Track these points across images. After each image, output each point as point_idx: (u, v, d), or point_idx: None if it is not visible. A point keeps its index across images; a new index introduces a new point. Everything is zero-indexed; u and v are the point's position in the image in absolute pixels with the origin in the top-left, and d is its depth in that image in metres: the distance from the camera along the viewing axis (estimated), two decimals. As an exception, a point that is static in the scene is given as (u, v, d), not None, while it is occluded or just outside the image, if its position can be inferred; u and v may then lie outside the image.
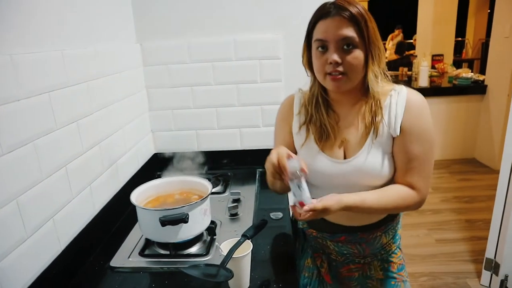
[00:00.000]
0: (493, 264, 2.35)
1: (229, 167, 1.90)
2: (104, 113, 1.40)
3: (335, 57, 0.95)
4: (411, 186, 1.02)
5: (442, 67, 4.95)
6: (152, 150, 1.92)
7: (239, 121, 1.87)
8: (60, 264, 1.06)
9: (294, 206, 0.96)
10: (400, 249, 1.23)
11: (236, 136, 1.89)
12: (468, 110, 4.36)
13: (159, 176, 1.45)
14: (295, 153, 1.15)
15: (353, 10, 0.93)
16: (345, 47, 0.95)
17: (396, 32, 6.91)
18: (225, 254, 0.97)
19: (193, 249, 1.23)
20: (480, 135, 4.41)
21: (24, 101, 0.95)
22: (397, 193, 1.01)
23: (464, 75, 4.46)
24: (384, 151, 1.03)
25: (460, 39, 7.33)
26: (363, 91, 1.04)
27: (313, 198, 0.99)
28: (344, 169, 1.05)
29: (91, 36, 1.35)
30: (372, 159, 1.02)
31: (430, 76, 4.56)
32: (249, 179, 1.77)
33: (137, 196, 1.25)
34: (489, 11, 7.66)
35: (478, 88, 4.31)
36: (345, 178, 1.05)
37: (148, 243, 1.27)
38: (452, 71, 4.80)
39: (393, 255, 1.20)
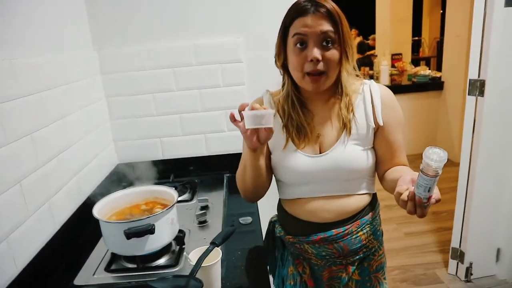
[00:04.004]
0: (458, 253, 2.44)
1: (196, 173, 1.86)
2: (61, 125, 1.33)
3: (317, 54, 0.95)
4: (404, 165, 1.10)
5: (402, 65, 5.11)
6: (115, 160, 1.86)
7: (203, 126, 1.84)
8: (17, 287, 0.99)
9: (420, 200, 0.81)
10: (383, 246, 1.22)
11: (201, 142, 1.86)
12: (428, 106, 4.52)
13: (124, 187, 1.40)
14: (269, 155, 1.15)
15: (329, 6, 0.96)
16: (324, 43, 0.96)
17: (352, 32, 7.09)
18: (193, 264, 0.94)
19: (162, 261, 1.19)
20: (440, 130, 4.58)
21: (-32, 115, 0.89)
22: (408, 170, 1.04)
23: (422, 72, 4.63)
24: (362, 144, 1.07)
25: (416, 38, 7.60)
26: (335, 87, 1.07)
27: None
28: (321, 163, 1.06)
29: (43, 44, 1.29)
30: (349, 152, 1.05)
31: (391, 75, 4.70)
32: (216, 185, 1.74)
33: (100, 209, 1.20)
34: (441, 11, 8.01)
35: (435, 85, 4.48)
36: (322, 172, 1.07)
37: (114, 257, 1.21)
38: (411, 69, 4.97)
39: (375, 253, 1.18)
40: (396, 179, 0.96)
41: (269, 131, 0.96)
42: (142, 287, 1.08)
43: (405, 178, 0.88)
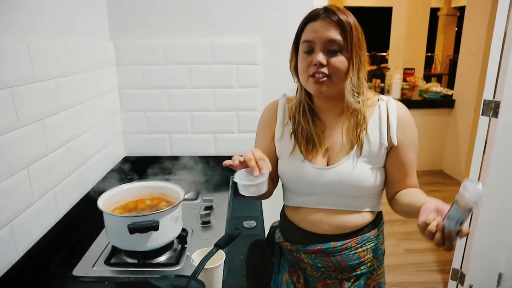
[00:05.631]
0: (459, 274, 2.40)
1: (202, 173, 1.85)
2: (72, 113, 1.33)
3: (320, 58, 0.96)
4: (415, 186, 1.09)
5: (413, 80, 5.08)
6: (123, 153, 1.85)
7: (213, 126, 1.82)
8: (16, 273, 0.98)
9: (450, 233, 0.78)
10: (383, 265, 1.20)
11: (210, 141, 1.85)
12: (437, 123, 4.49)
13: (129, 181, 1.39)
14: (276, 160, 1.15)
15: (341, 16, 0.95)
16: (330, 49, 0.96)
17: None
18: (196, 265, 0.92)
19: (163, 258, 1.17)
20: (448, 148, 4.54)
21: (-17, 96, 0.88)
22: (423, 194, 1.02)
23: (434, 89, 4.59)
24: (372, 162, 1.05)
25: (429, 54, 7.57)
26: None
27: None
28: (326, 176, 1.05)
29: (61, 31, 1.28)
30: (356, 169, 1.03)
31: (402, 89, 4.67)
32: (222, 186, 1.73)
33: (105, 201, 1.19)
34: (456, 29, 7.98)
35: (446, 102, 4.45)
36: (326, 185, 1.06)
37: (115, 251, 1.20)
38: (423, 84, 4.94)
39: (373, 272, 1.16)
40: (413, 205, 0.94)
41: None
42: (141, 283, 1.07)
43: (428, 206, 0.85)
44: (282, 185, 1.19)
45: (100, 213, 1.14)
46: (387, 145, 1.04)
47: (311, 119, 1.08)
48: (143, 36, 1.72)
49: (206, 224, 1.38)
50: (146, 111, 1.80)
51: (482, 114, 2.14)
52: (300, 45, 1.01)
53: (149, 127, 1.83)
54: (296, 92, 1.12)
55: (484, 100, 2.11)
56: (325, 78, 0.97)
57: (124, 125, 1.82)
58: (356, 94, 1.01)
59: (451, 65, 7.24)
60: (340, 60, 0.96)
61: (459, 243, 2.38)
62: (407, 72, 5.40)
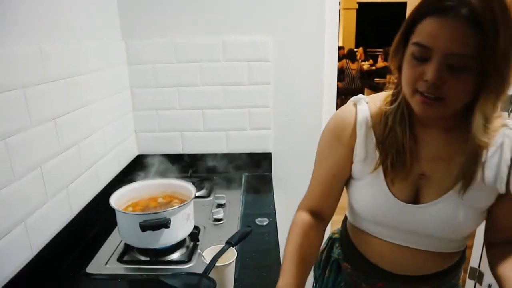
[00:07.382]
0: (477, 274, 2.35)
1: (214, 170, 1.85)
2: (84, 112, 1.34)
3: (434, 78, 0.66)
4: None
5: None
6: (135, 151, 1.86)
7: (225, 123, 1.82)
8: (31, 270, 0.99)
9: None
10: None
11: (222, 139, 1.84)
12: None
13: (142, 179, 1.39)
14: (344, 181, 0.92)
15: (486, 14, 0.62)
16: (453, 65, 0.65)
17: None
18: (208, 262, 0.92)
19: (175, 256, 1.18)
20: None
21: (-5, 96, 0.89)
22: None
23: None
24: (477, 207, 0.80)
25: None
26: (462, 116, 0.75)
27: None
28: (413, 216, 0.82)
29: (72, 31, 1.29)
30: (458, 214, 0.79)
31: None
32: (234, 183, 1.73)
33: (117, 199, 1.20)
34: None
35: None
36: (411, 225, 0.83)
37: (128, 248, 1.21)
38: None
39: None
40: (501, 285, 0.77)
41: None
42: (153, 280, 1.07)
43: None
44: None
45: (112, 211, 1.15)
46: (504, 192, 0.77)
47: (409, 129, 0.81)
48: (154, 35, 1.72)
49: (218, 221, 1.38)
50: (158, 109, 1.81)
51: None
52: (410, 43, 0.70)
53: (161, 125, 1.83)
54: (394, 93, 0.83)
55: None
56: (436, 100, 0.69)
57: (136, 123, 1.83)
58: (487, 127, 0.72)
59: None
60: (463, 82, 0.66)
61: (477, 241, 2.33)
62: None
